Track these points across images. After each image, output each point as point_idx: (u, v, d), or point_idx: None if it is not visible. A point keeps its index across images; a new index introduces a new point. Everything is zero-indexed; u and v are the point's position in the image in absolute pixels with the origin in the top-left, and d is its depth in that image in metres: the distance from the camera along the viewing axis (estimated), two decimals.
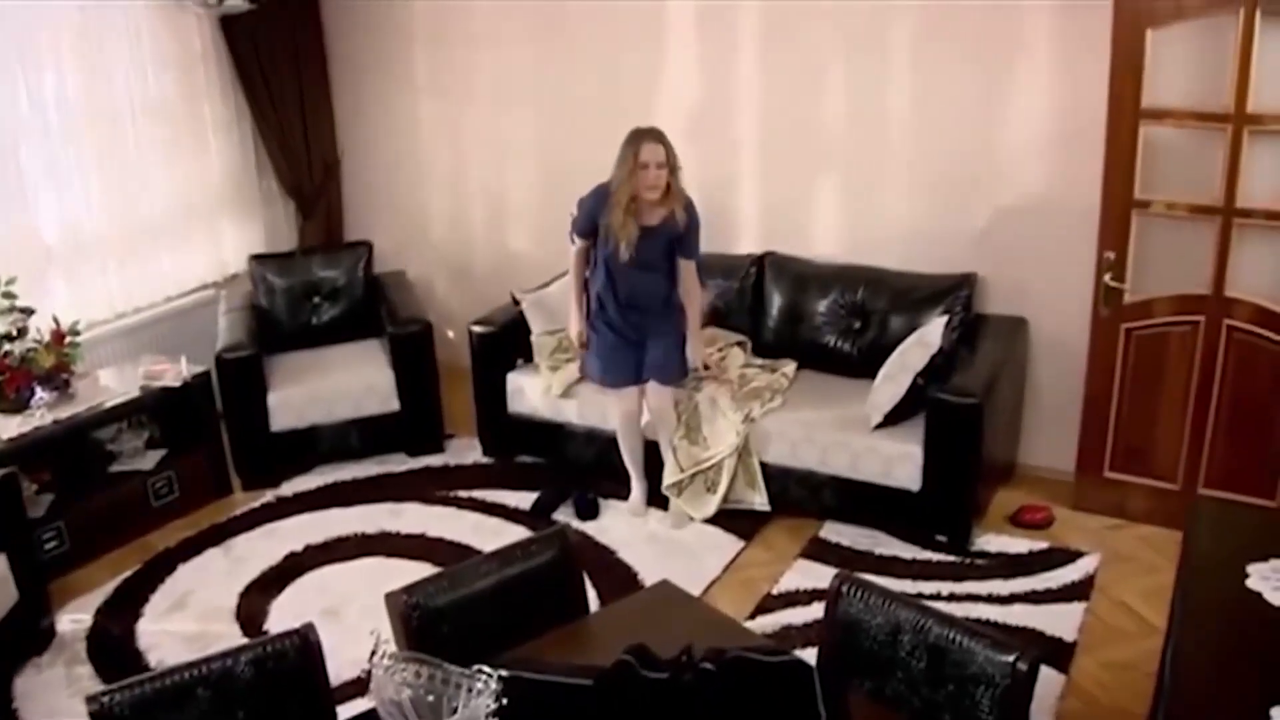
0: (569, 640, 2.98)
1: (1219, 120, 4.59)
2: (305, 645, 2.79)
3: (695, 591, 4.60)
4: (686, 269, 5.13)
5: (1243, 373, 4.82)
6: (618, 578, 4.80)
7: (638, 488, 5.38)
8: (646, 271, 5.04)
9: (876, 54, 5.44)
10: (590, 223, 5.03)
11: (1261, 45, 4.44)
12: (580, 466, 5.62)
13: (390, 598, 2.95)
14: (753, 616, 4.54)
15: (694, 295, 5.21)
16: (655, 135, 4.86)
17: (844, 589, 2.86)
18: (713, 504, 5.20)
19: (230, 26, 6.26)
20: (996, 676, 2.55)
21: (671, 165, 4.87)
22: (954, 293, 5.30)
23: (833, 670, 2.81)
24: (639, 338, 5.16)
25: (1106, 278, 4.92)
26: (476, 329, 5.75)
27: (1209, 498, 4.89)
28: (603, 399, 5.45)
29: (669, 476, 5.23)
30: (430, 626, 2.92)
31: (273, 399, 5.67)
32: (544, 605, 3.09)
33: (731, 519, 5.18)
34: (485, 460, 5.92)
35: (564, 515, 5.32)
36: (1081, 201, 5.01)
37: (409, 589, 2.95)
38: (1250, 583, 2.90)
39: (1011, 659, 2.54)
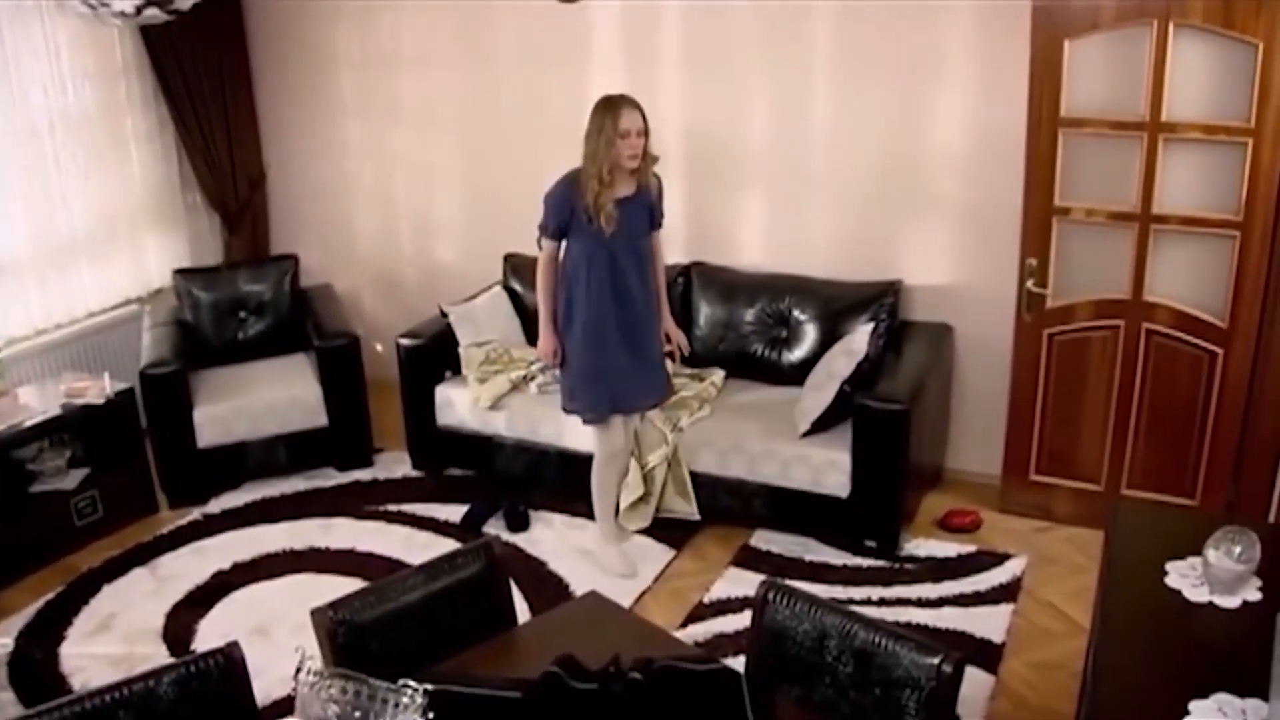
0: (497, 653, 2.97)
1: (1135, 129, 4.68)
2: (230, 664, 2.75)
3: (627, 602, 4.62)
4: (655, 237, 4.92)
5: (1162, 375, 4.92)
6: (549, 589, 4.79)
7: (612, 532, 5.09)
8: (634, 252, 4.72)
9: (799, 67, 5.49)
10: (565, 212, 4.65)
11: (1175, 55, 4.53)
12: (510, 478, 5.60)
13: (316, 614, 2.92)
14: (684, 625, 4.55)
15: (661, 265, 4.98)
16: (631, 101, 4.58)
17: (770, 596, 2.87)
18: (647, 514, 5.20)
19: (153, 40, 6.19)
20: (922, 679, 2.58)
21: (648, 130, 4.63)
22: (879, 300, 5.35)
23: (761, 677, 2.82)
24: (629, 341, 4.75)
25: (1029, 283, 5.00)
26: (404, 342, 5.71)
27: (1129, 499, 4.98)
28: (534, 411, 5.45)
29: (633, 495, 5.19)
30: (357, 642, 2.90)
31: (199, 415, 5.60)
32: (472, 618, 3.07)
33: (662, 529, 5.18)
34: (415, 474, 5.88)
35: (495, 527, 5.29)
36: (1004, 209, 5.08)
37: (335, 605, 2.92)
38: (1169, 580, 2.95)
39: (936, 661, 2.57)
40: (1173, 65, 4.55)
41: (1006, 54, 4.92)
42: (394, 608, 3.00)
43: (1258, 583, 2.88)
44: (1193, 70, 4.57)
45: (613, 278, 4.68)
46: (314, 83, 6.75)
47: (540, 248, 4.79)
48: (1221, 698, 2.41)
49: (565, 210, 4.66)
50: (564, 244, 4.75)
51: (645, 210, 4.76)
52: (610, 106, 4.55)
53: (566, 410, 4.92)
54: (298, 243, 6.90)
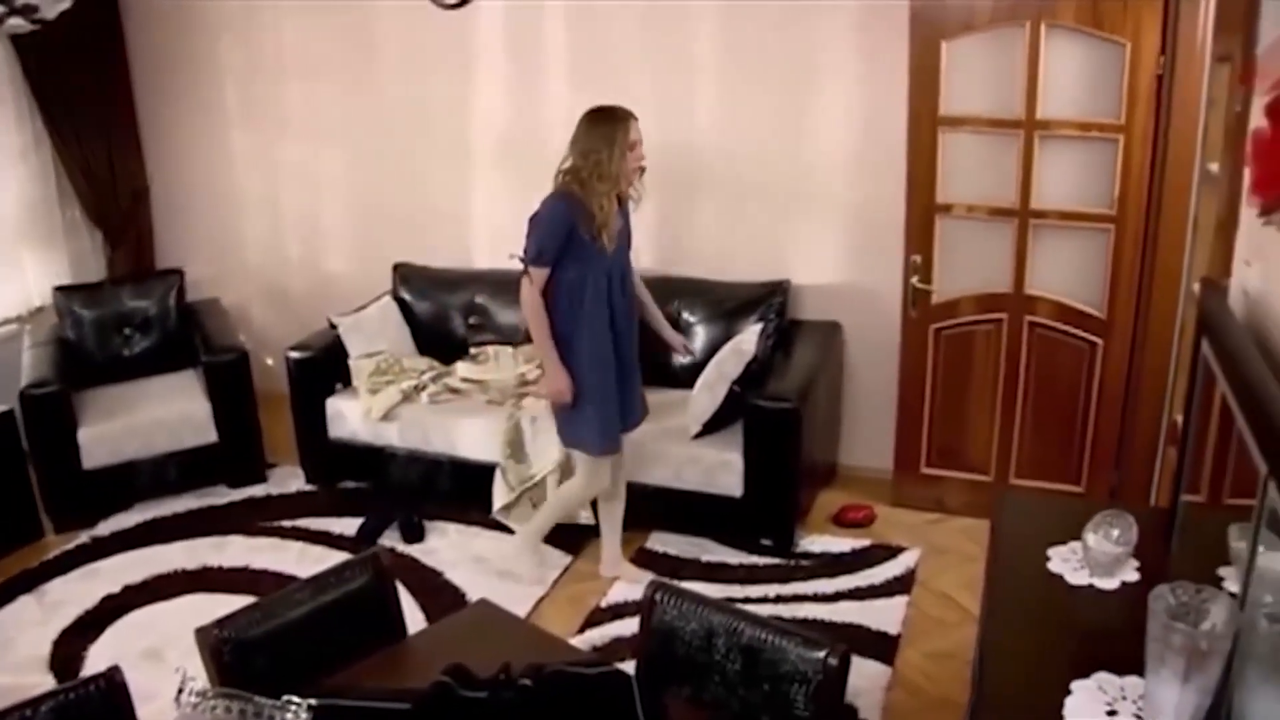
0: (387, 664, 2.94)
1: (1012, 126, 4.79)
2: (111, 689, 2.66)
3: (524, 609, 4.60)
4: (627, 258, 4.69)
5: (1045, 366, 5.04)
6: (445, 599, 4.74)
7: (538, 544, 4.99)
8: (620, 268, 4.50)
9: (684, 69, 5.53)
10: (565, 235, 4.32)
11: (1048, 55, 4.65)
12: (404, 489, 5.55)
13: (200, 633, 2.86)
14: (582, 630, 4.55)
15: (641, 284, 4.78)
16: (631, 112, 4.39)
17: (657, 597, 2.88)
18: None
19: (25, 51, 6.02)
20: (809, 673, 2.60)
21: None
22: (767, 300, 5.39)
23: (651, 678, 2.83)
24: (624, 361, 4.56)
25: (914, 280, 5.08)
26: (293, 354, 5.65)
27: (1017, 488, 5.09)
28: (426, 421, 5.42)
29: (501, 499, 5.18)
30: (244, 660, 2.84)
31: (84, 435, 5.46)
32: (361, 630, 3.04)
33: (557, 535, 5.11)
34: (309, 488, 5.81)
35: (391, 539, 5.24)
36: (888, 207, 5.15)
37: (219, 623, 2.87)
38: (1051, 565, 3.00)
39: (822, 655, 2.59)
40: (1046, 65, 4.67)
41: (887, 55, 5.00)
42: (281, 623, 2.95)
43: (1135, 564, 2.93)
44: (1066, 69, 4.69)
45: (609, 298, 4.46)
46: (197, 93, 6.63)
47: (530, 279, 4.40)
48: (1101, 677, 2.46)
49: (565, 232, 4.34)
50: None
51: (625, 223, 4.59)
52: (617, 118, 4.37)
53: (573, 444, 4.69)
54: (184, 257, 6.78)
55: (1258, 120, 2.53)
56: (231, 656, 2.83)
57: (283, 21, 6.28)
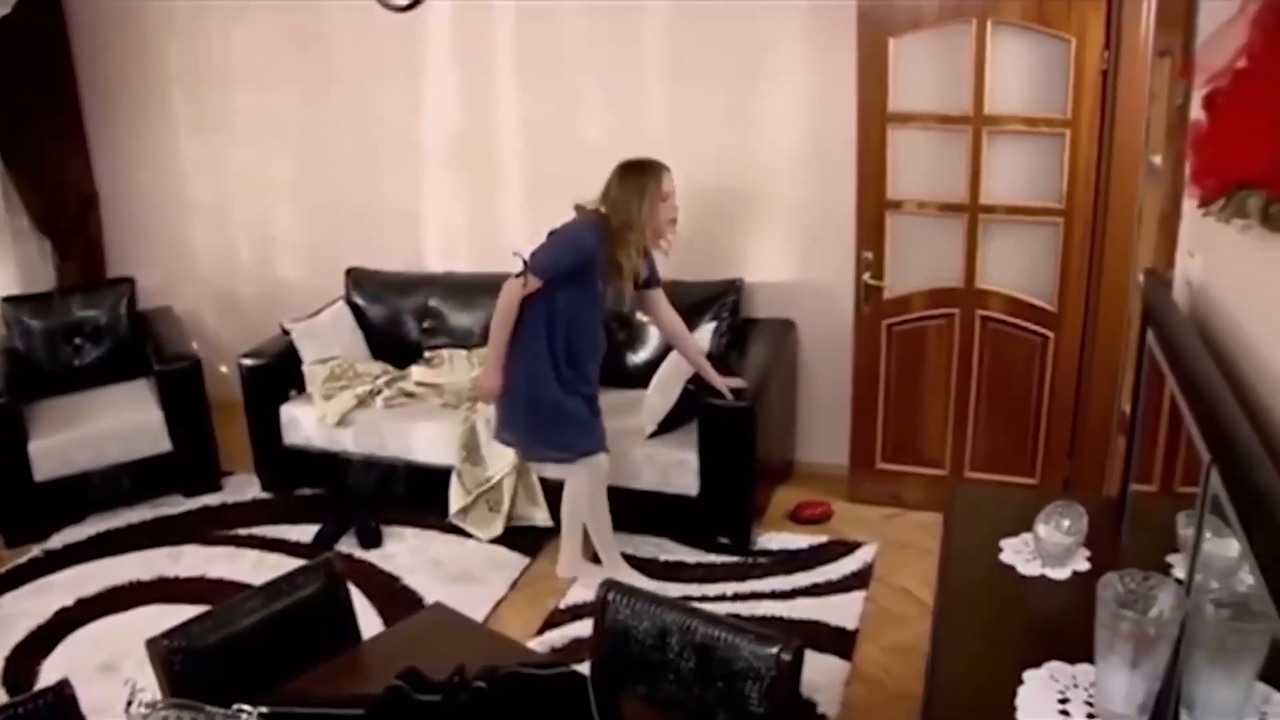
0: (341, 670, 2.92)
1: (960, 122, 4.81)
2: (60, 702, 2.64)
3: (483, 612, 4.59)
4: (660, 297, 4.74)
5: (997, 360, 5.07)
6: (403, 604, 4.71)
7: (618, 554, 4.88)
8: (613, 308, 4.67)
9: (635, 69, 5.54)
10: (576, 263, 4.33)
11: (995, 51, 4.68)
12: (360, 495, 5.53)
13: (151, 644, 2.84)
14: (541, 632, 4.53)
15: (680, 321, 4.80)
16: (664, 165, 4.46)
17: (610, 597, 2.87)
18: (498, 524, 5.17)
19: None
20: (762, 669, 2.60)
21: None
22: (721, 299, 5.40)
23: (606, 678, 2.82)
24: (594, 389, 4.67)
25: (866, 276, 5.10)
26: (246, 361, 5.61)
27: (969, 481, 5.12)
28: (381, 425, 5.41)
29: (457, 502, 5.18)
30: (196, 669, 2.81)
31: (34, 447, 5.39)
32: (315, 636, 3.01)
33: (515, 537, 5.16)
34: (264, 495, 5.77)
35: (348, 545, 5.21)
36: (838, 204, 5.17)
37: (170, 633, 2.84)
38: (1003, 557, 3.02)
39: (775, 650, 2.58)
40: (993, 61, 4.70)
41: (836, 53, 5.02)
42: (233, 631, 2.91)
43: (1086, 553, 2.95)
44: (1013, 65, 4.72)
45: (594, 327, 4.56)
46: (145, 99, 6.58)
47: (523, 283, 4.34)
48: (1053, 665, 2.47)
49: (580, 263, 4.35)
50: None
51: (650, 271, 4.64)
52: (649, 170, 4.42)
53: (580, 455, 4.65)
54: (135, 265, 6.72)
55: (1197, 113, 2.56)
56: (183, 666, 2.80)
57: (231, 26, 6.24)
